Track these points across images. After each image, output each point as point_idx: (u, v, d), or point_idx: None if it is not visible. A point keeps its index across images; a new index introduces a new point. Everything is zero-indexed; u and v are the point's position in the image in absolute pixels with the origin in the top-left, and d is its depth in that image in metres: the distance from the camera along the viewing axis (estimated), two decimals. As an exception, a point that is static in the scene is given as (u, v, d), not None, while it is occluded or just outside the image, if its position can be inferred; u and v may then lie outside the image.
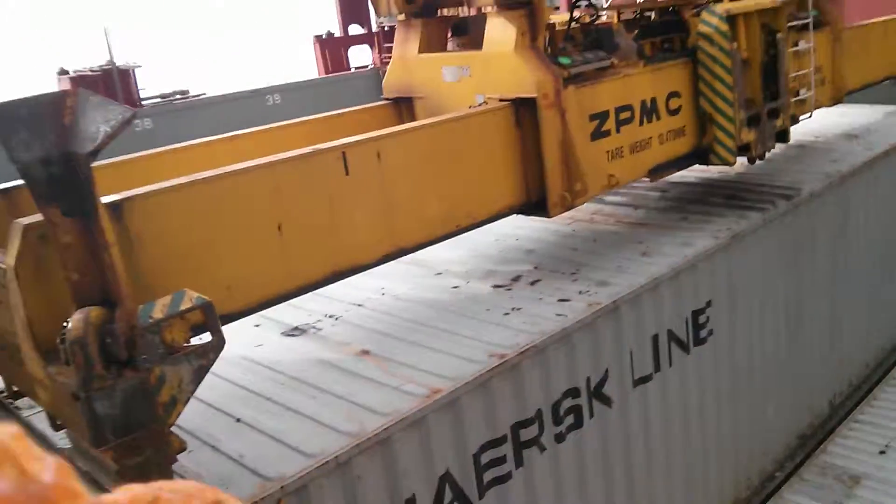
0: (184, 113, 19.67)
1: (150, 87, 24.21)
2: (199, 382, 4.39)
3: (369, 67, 24.24)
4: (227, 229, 5.08)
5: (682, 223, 8.37)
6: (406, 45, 7.44)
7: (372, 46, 25.17)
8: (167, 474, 4.39)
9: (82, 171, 3.94)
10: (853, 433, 9.80)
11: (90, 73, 23.35)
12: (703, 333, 7.90)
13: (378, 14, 7.62)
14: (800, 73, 9.30)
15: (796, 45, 9.25)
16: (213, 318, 4.34)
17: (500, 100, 6.75)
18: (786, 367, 9.27)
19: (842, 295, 10.22)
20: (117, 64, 23.47)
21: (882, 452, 9.38)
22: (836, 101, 10.35)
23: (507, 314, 6.67)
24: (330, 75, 23.62)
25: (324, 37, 25.29)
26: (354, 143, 5.73)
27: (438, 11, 7.43)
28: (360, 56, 26.34)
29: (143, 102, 22.98)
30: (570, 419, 6.51)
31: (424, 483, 5.45)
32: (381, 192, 5.82)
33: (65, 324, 3.99)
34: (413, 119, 7.40)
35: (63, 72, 23.67)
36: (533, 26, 6.74)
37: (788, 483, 8.96)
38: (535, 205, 6.97)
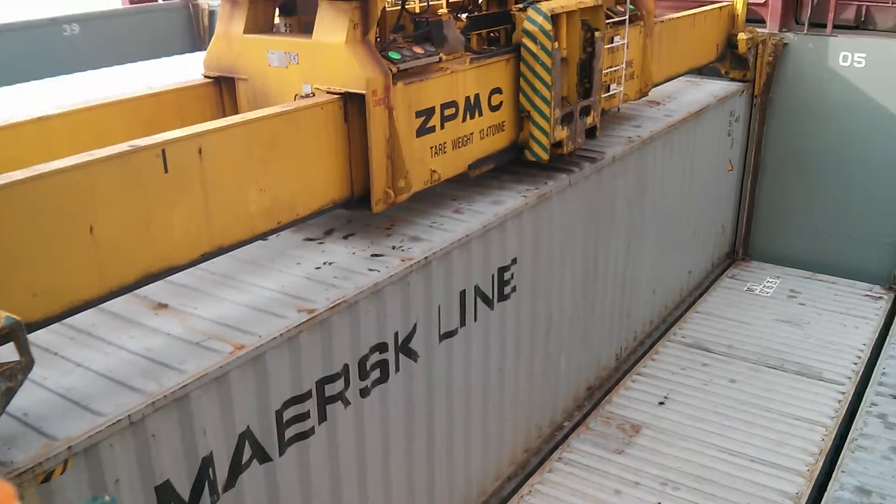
0: None
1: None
2: (7, 405, 3.76)
3: (178, 0, 20.35)
4: (35, 232, 4.25)
5: (494, 182, 7.88)
6: (231, 23, 6.54)
7: None
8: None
9: None
10: (636, 385, 9.93)
11: None
12: (507, 290, 7.60)
13: None
14: (612, 68, 8.96)
15: (611, 41, 8.83)
16: (22, 339, 3.70)
17: (329, 92, 6.05)
18: (579, 322, 9.13)
19: (633, 255, 10.10)
20: None
21: (661, 403, 9.54)
22: (642, 94, 10.07)
23: (318, 268, 6.11)
24: (133, 6, 19.87)
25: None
26: (175, 140, 4.90)
27: None
28: None
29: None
30: (375, 374, 6.13)
31: (223, 441, 4.96)
32: (200, 190, 5.06)
33: None
34: (234, 100, 6.61)
35: None
36: (365, 19, 6.03)
37: (575, 432, 8.98)
38: (359, 200, 6.35)
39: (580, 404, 9.51)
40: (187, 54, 13.21)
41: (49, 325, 4.54)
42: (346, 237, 6.69)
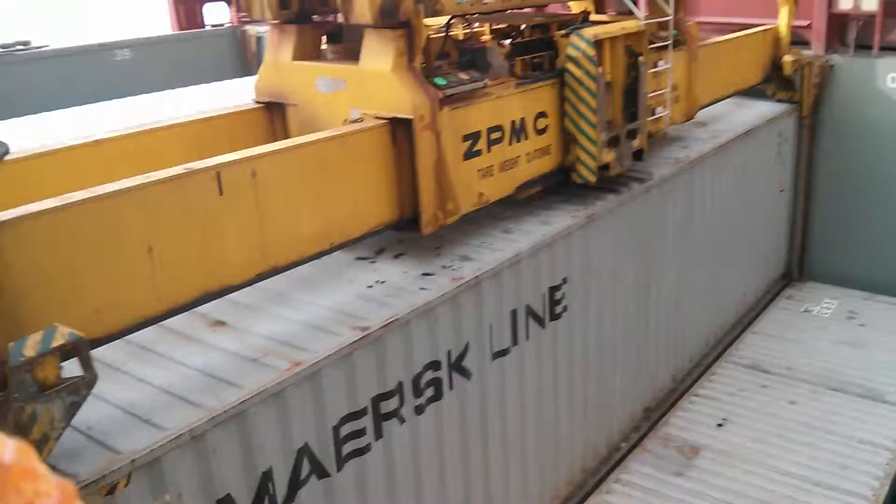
0: (26, 65, 16.12)
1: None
2: (72, 418, 3.86)
3: (226, 26, 20.58)
4: (97, 252, 4.34)
5: (543, 203, 7.83)
6: (279, 51, 6.68)
7: (229, 4, 21.08)
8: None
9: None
10: (693, 406, 9.66)
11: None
12: (559, 309, 7.49)
13: (250, 16, 6.78)
14: (657, 92, 8.87)
15: (655, 65, 8.77)
16: (85, 354, 3.80)
17: (377, 118, 6.09)
18: (633, 342, 8.94)
19: (686, 276, 9.89)
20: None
21: (720, 425, 9.25)
22: (688, 117, 9.95)
23: (370, 287, 6.12)
24: (183, 32, 19.91)
25: (177, -9, 21.39)
26: (229, 163, 4.97)
27: (313, 17, 6.73)
28: (216, 13, 22.00)
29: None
30: (430, 391, 6.08)
31: (282, 456, 4.96)
32: (254, 212, 5.11)
33: None
34: (284, 125, 6.73)
35: None
36: (411, 47, 6.10)
37: (633, 453, 8.75)
38: (408, 222, 6.35)
39: (637, 425, 9.28)
40: (236, 79, 13.32)
41: (111, 341, 4.62)
42: (396, 256, 6.71)
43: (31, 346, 3.69)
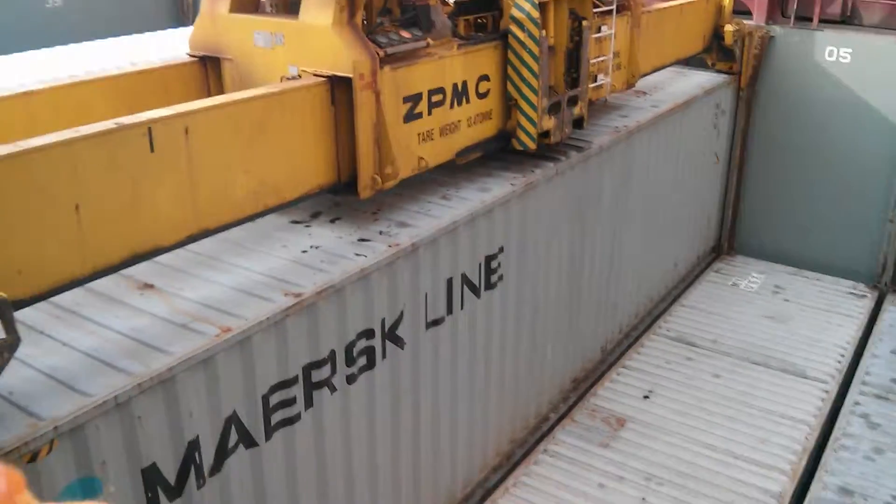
0: None
1: None
2: None
3: None
4: (20, 209, 4.27)
5: (482, 169, 7.98)
6: (216, 2, 6.57)
7: None
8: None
9: None
10: (620, 378, 10.05)
11: None
12: (494, 279, 7.69)
13: None
14: (599, 58, 9.09)
15: (599, 30, 8.95)
16: (8, 316, 3.76)
17: (316, 75, 6.09)
18: (565, 312, 9.25)
19: (619, 246, 10.22)
20: None
21: (646, 397, 9.65)
22: (629, 85, 10.21)
23: (304, 252, 6.16)
24: None
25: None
26: (161, 118, 4.91)
27: None
28: None
29: None
30: (362, 360, 6.20)
31: (209, 425, 5.02)
32: (186, 170, 5.07)
33: None
34: (219, 81, 6.66)
35: None
36: (352, 2, 6.08)
37: (561, 424, 9.09)
38: (346, 185, 6.39)
39: (566, 396, 9.63)
40: (170, 30, 13.14)
41: (34, 303, 4.57)
42: (332, 221, 6.75)
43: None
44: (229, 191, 5.46)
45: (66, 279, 4.61)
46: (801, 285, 12.75)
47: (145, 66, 6.48)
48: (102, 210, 4.68)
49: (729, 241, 14.09)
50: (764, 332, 11.24)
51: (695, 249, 13.16)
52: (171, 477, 4.86)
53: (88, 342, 4.86)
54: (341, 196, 6.62)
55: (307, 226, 6.66)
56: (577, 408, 9.39)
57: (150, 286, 5.54)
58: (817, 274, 13.04)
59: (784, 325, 11.51)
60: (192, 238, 5.34)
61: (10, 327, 3.84)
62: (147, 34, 12.52)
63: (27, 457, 4.08)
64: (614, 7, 9.13)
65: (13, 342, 3.87)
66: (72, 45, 11.34)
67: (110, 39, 11.89)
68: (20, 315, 4.83)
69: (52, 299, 5.04)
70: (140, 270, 5.51)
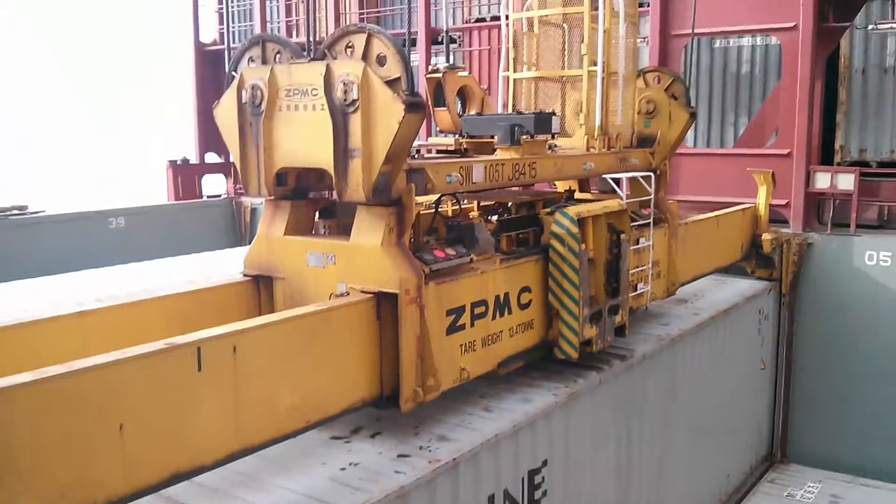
0: (22, 230, 17.14)
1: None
2: None
3: (222, 197, 22.11)
4: (67, 429, 4.27)
5: (523, 378, 7.94)
6: (272, 225, 6.89)
7: (227, 176, 22.87)
8: None
9: None
10: None
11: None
12: (538, 495, 7.41)
13: (247, 193, 6.98)
14: (639, 268, 9.29)
15: (637, 242, 9.20)
16: None
17: (363, 291, 6.27)
18: None
19: (667, 457, 9.88)
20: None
21: None
22: (669, 293, 10.35)
23: (343, 469, 6.06)
24: (180, 202, 21.28)
25: (178, 162, 22.13)
26: (210, 338, 4.96)
27: (309, 194, 7.04)
28: (214, 184, 23.83)
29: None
30: None
31: None
32: (232, 388, 5.12)
33: None
34: (271, 298, 6.89)
35: None
36: (400, 224, 6.39)
37: None
38: (388, 398, 6.41)
39: None
40: (228, 249, 13.85)
41: None
42: (373, 436, 6.71)
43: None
44: (273, 407, 5.46)
45: (106, 499, 4.54)
46: (861, 495, 12.13)
47: (200, 285, 6.73)
48: (147, 430, 4.68)
49: (781, 449, 13.62)
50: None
51: (747, 459, 12.70)
52: None
53: None
54: (383, 409, 6.61)
55: (347, 441, 6.61)
56: None
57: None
58: (875, 482, 12.44)
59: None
60: (234, 456, 5.28)
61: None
62: (205, 253, 13.19)
63: None
64: (651, 221, 9.42)
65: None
66: (131, 265, 12.00)
67: (169, 259, 12.55)
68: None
69: None
70: (178, 491, 5.42)
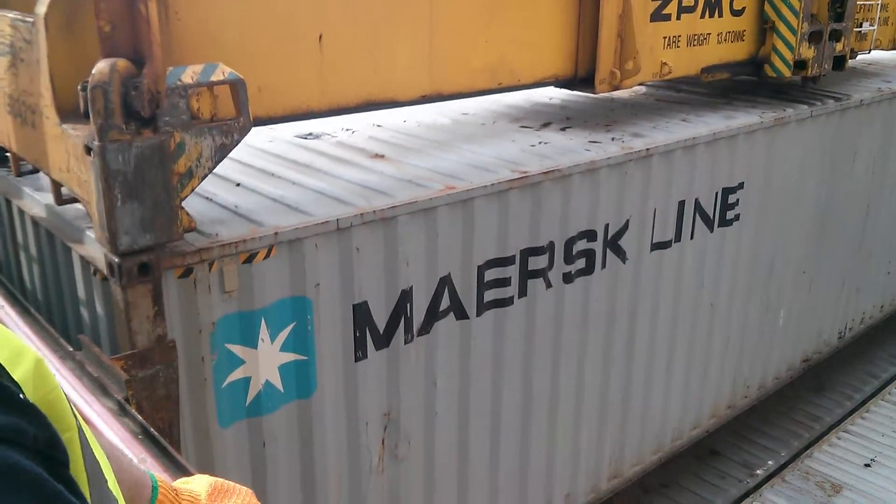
0: None
1: None
2: (219, 161, 3.76)
3: None
4: (266, 28, 4.23)
5: (726, 105, 7.39)
6: None
7: None
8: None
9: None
10: (841, 442, 8.73)
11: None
12: (731, 215, 7.00)
13: None
14: (867, 2, 8.25)
15: None
16: (243, 97, 3.69)
17: None
18: (806, 274, 8.31)
19: (873, 219, 9.10)
20: None
21: (867, 465, 8.30)
22: (894, 46, 9.22)
23: (533, 145, 5.89)
24: None
25: None
26: None
27: None
28: None
29: None
30: (581, 262, 5.79)
31: (424, 279, 4.81)
32: (427, 28, 4.93)
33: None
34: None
35: None
36: None
37: (769, 482, 8.07)
38: (582, 79, 6.05)
39: (793, 375, 8.62)
40: None
41: (269, 124, 4.59)
42: (563, 129, 6.44)
43: (189, 74, 3.61)
44: (466, 59, 5.27)
45: (303, 108, 4.55)
46: None
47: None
48: (344, 46, 4.59)
49: None
50: None
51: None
52: (380, 323, 4.67)
53: (318, 184, 4.83)
54: (576, 90, 6.28)
55: (537, 130, 6.40)
56: (790, 468, 8.26)
57: (382, 156, 5.50)
58: None
59: None
60: (426, 98, 5.20)
61: (244, 109, 3.76)
62: None
63: (244, 256, 4.01)
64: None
65: (244, 124, 3.79)
66: None
67: None
68: (254, 161, 5.19)
69: (289, 156, 5.29)
70: (373, 146, 5.63)
